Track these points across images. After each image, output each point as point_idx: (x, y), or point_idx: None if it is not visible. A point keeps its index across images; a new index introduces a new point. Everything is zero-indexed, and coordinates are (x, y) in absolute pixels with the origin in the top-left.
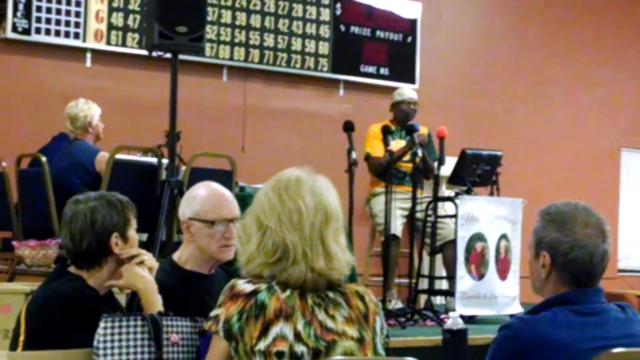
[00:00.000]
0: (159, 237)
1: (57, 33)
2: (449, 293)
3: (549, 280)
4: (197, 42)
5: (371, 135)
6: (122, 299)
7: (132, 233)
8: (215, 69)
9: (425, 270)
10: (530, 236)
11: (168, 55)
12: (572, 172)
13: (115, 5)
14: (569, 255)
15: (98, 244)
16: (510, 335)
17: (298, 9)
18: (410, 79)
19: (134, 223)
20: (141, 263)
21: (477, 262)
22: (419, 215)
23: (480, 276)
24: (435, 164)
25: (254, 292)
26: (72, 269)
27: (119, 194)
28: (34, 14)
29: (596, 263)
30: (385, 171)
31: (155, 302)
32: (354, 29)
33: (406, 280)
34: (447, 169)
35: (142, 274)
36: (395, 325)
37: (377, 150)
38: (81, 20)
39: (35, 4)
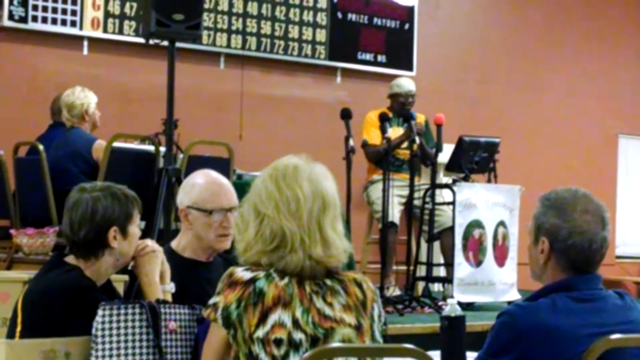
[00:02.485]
0: (157, 225)
1: (54, 21)
2: (447, 280)
3: (548, 266)
4: (194, 29)
5: (368, 122)
6: (120, 287)
7: (133, 229)
8: (213, 57)
9: (423, 257)
10: (530, 222)
11: (165, 43)
12: (570, 159)
13: None
14: (568, 241)
15: (95, 235)
16: (508, 322)
17: None
18: (408, 66)
19: (136, 219)
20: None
21: (474, 249)
22: (416, 202)
23: (478, 263)
24: (433, 151)
25: (253, 280)
26: (69, 259)
27: (127, 188)
28: (31, 2)
29: (595, 250)
30: (382, 159)
31: (154, 291)
32: (351, 16)
33: (404, 268)
34: (444, 156)
35: (145, 266)
36: (393, 312)
37: (375, 137)
38: (78, 8)
39: None
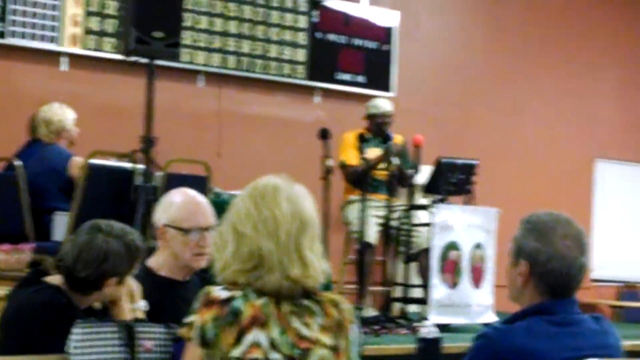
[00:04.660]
0: None
1: (33, 37)
2: (423, 301)
3: (526, 288)
4: (173, 47)
5: (346, 143)
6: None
7: (129, 278)
8: (191, 75)
9: (400, 278)
10: (510, 243)
11: (144, 60)
12: (547, 182)
13: (91, 9)
14: (547, 265)
15: (95, 279)
16: (485, 344)
17: (275, 15)
18: (387, 87)
19: (136, 268)
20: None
21: (451, 271)
22: (393, 223)
23: (454, 285)
24: (411, 172)
25: (229, 299)
26: (48, 279)
27: (138, 235)
28: (9, 17)
29: (573, 275)
30: (360, 179)
31: (122, 316)
32: (331, 37)
33: (380, 288)
34: (422, 178)
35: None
36: (369, 333)
37: (352, 158)
38: (57, 24)
39: (10, 7)
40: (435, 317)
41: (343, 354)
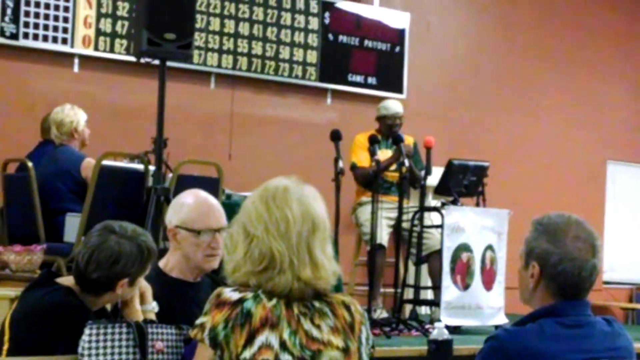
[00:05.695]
0: None
1: (45, 38)
2: (434, 303)
3: (537, 290)
4: (185, 49)
5: (357, 144)
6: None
7: (141, 280)
8: (203, 76)
9: (411, 280)
10: (522, 245)
11: (156, 61)
12: (559, 184)
13: (103, 11)
14: (558, 267)
15: (106, 280)
16: (496, 346)
17: (287, 17)
18: (398, 89)
19: (148, 270)
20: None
21: (462, 273)
22: (405, 225)
23: (466, 287)
24: (422, 173)
25: (240, 301)
26: (60, 280)
27: (150, 237)
28: (22, 19)
29: (584, 277)
30: (371, 181)
31: (134, 317)
32: (342, 38)
33: (391, 290)
34: (433, 179)
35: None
36: (380, 334)
37: (363, 159)
38: (69, 25)
39: (23, 8)
40: (446, 319)
41: (354, 356)
